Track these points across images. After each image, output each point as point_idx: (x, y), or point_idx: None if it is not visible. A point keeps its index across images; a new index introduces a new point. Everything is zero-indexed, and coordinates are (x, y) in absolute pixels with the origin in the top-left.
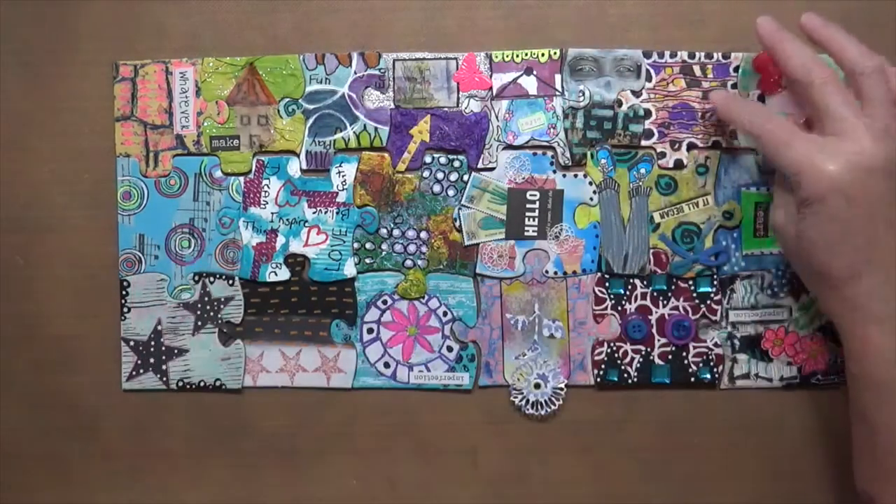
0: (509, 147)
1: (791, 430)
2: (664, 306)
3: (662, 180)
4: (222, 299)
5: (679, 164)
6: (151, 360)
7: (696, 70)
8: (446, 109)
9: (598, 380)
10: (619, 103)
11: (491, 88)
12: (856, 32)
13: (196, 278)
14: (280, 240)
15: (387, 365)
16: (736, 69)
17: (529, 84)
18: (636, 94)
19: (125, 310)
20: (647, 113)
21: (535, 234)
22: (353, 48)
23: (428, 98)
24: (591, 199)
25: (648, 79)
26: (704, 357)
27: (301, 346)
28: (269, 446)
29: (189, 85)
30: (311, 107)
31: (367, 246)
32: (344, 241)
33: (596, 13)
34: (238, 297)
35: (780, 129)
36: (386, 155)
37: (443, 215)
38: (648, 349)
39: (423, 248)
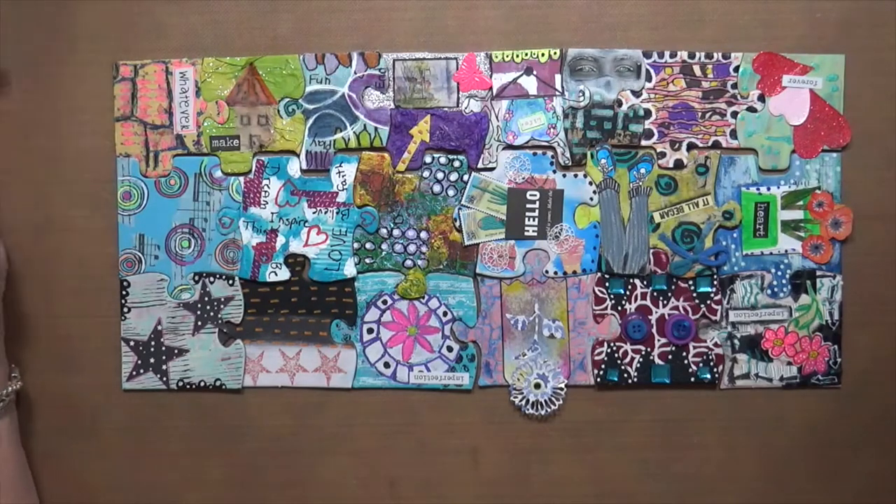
0: (509, 147)
1: (791, 430)
2: (664, 306)
3: (662, 180)
4: (222, 299)
5: (679, 164)
6: (151, 360)
7: (696, 70)
8: (446, 109)
9: (598, 380)
10: (619, 103)
11: (491, 88)
12: (856, 32)
13: (196, 278)
14: (280, 240)
15: (387, 365)
16: (736, 69)
17: (529, 84)
18: (636, 94)
19: (125, 310)
20: (647, 113)
21: (535, 234)
22: (354, 48)
23: (428, 98)
24: (591, 199)
25: (648, 79)
26: (704, 357)
27: (301, 346)
28: (269, 446)
29: (189, 85)
30: (311, 107)
31: (367, 246)
32: (344, 241)
33: (596, 13)
34: (238, 297)
35: None
36: (386, 155)
37: (443, 215)
38: (648, 349)
39: (423, 248)
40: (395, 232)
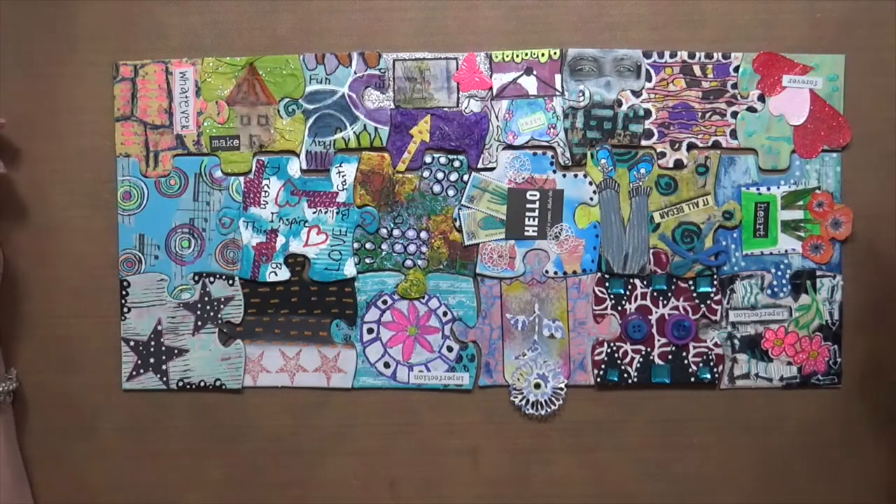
0: (509, 147)
1: (791, 430)
2: (664, 306)
3: (662, 180)
4: (222, 299)
5: (679, 164)
6: (151, 360)
7: (696, 70)
8: (446, 109)
9: (598, 380)
10: (619, 103)
11: (491, 88)
12: (856, 32)
13: (196, 278)
14: (280, 240)
15: (387, 365)
16: (736, 69)
17: (529, 84)
18: (636, 94)
19: (125, 310)
20: (647, 113)
21: (535, 234)
22: (353, 48)
23: (428, 98)
24: (591, 199)
25: (648, 79)
26: (704, 357)
27: (301, 346)
28: (269, 446)
29: (189, 85)
30: (311, 107)
31: (367, 246)
32: (344, 241)
33: (596, 13)
34: (238, 297)
35: None
36: (386, 155)
37: (443, 215)
38: (648, 349)
39: (423, 248)
40: (395, 232)
